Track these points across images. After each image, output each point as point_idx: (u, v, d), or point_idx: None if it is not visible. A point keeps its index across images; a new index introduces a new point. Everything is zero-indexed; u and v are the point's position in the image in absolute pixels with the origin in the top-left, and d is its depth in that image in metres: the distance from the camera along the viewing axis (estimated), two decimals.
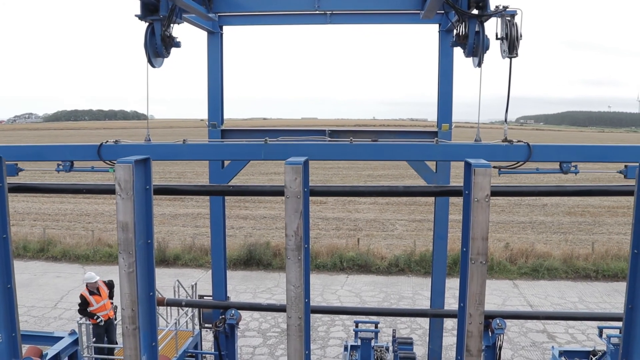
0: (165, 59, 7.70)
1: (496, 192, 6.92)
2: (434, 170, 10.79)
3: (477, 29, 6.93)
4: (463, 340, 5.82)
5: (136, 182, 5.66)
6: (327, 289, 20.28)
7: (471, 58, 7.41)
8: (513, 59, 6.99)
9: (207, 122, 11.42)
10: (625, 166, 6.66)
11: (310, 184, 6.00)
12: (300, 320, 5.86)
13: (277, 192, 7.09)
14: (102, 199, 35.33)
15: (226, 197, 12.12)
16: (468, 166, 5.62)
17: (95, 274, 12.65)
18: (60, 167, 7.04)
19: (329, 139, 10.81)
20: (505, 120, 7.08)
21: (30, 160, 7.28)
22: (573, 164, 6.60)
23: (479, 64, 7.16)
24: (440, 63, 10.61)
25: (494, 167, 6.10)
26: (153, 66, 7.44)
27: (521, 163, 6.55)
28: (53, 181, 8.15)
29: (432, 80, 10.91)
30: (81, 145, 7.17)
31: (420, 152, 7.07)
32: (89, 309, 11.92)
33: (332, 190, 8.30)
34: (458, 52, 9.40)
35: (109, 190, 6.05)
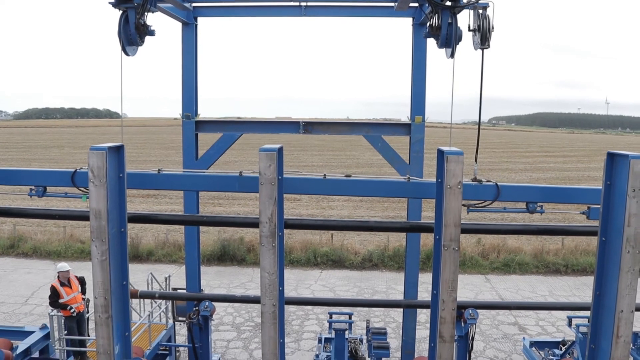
0: (139, 49, 7.64)
1: (468, 230, 7.18)
2: (407, 163, 10.89)
3: (450, 20, 7.01)
4: (436, 327, 5.92)
5: (110, 170, 5.64)
6: (301, 283, 20.30)
7: (444, 50, 7.50)
8: (486, 52, 7.12)
9: (181, 116, 11.36)
10: (588, 207, 7.01)
11: (284, 217, 6.06)
12: (275, 307, 5.88)
13: (250, 223, 7.09)
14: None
15: (200, 192, 12.05)
16: (441, 154, 5.70)
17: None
18: (33, 191, 7.04)
19: (303, 131, 10.91)
20: (476, 160, 7.18)
21: (2, 184, 7.26)
22: (539, 204, 6.88)
23: (452, 55, 7.26)
24: (413, 56, 10.69)
25: (464, 205, 6.23)
26: (127, 54, 7.38)
27: (489, 202, 6.78)
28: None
29: (406, 81, 11.01)
30: (55, 171, 7.16)
31: (392, 188, 7.20)
32: (60, 300, 11.77)
33: (305, 224, 8.56)
34: (432, 50, 9.48)
35: (83, 217, 5.99)
